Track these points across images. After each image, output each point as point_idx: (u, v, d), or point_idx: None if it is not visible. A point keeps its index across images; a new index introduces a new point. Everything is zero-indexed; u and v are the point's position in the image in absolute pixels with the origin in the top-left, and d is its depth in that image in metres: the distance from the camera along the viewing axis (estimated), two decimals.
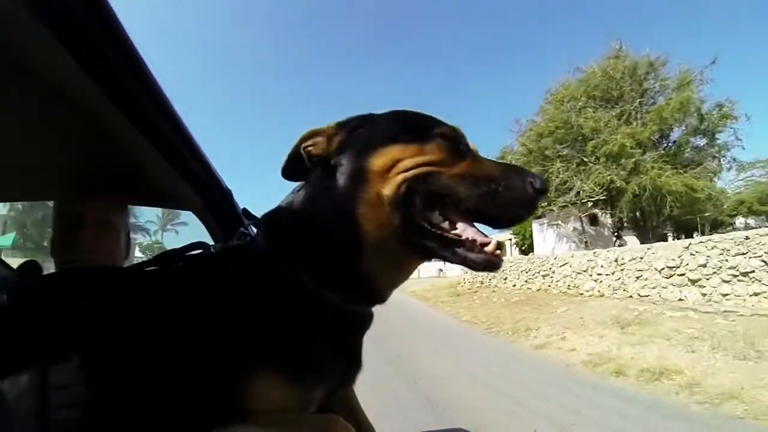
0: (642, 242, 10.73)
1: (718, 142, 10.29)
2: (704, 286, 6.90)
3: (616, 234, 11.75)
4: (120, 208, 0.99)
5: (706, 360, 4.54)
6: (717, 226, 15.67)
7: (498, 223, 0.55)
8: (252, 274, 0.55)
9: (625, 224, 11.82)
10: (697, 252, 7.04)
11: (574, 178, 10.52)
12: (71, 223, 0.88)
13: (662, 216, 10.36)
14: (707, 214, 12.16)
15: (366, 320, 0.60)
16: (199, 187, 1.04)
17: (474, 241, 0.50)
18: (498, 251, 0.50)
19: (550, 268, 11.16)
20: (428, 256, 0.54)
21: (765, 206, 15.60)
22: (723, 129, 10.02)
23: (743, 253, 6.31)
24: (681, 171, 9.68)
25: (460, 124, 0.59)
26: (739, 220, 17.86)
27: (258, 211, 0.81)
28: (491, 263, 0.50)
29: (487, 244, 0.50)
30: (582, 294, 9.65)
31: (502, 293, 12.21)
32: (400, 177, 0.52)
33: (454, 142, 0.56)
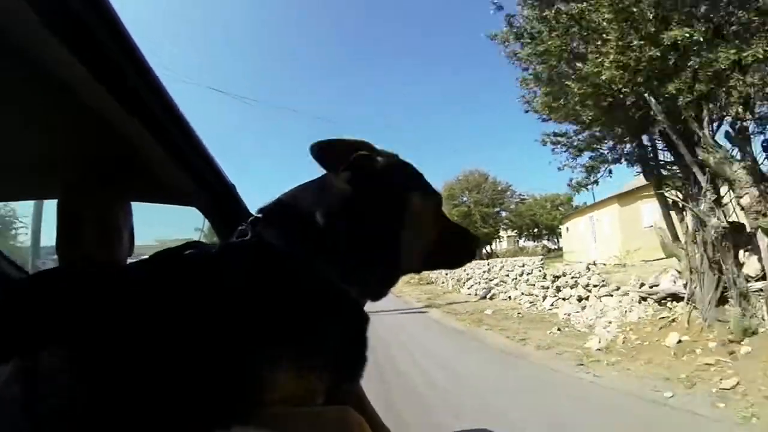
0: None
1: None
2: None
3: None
4: (122, 205, 0.99)
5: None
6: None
7: (451, 266, 0.76)
8: (265, 266, 0.54)
9: None
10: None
11: None
12: (73, 221, 0.88)
13: None
14: None
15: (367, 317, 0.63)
16: (201, 182, 1.04)
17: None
18: None
19: None
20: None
21: None
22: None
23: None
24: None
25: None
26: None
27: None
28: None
29: None
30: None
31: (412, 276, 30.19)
32: (432, 229, 0.66)
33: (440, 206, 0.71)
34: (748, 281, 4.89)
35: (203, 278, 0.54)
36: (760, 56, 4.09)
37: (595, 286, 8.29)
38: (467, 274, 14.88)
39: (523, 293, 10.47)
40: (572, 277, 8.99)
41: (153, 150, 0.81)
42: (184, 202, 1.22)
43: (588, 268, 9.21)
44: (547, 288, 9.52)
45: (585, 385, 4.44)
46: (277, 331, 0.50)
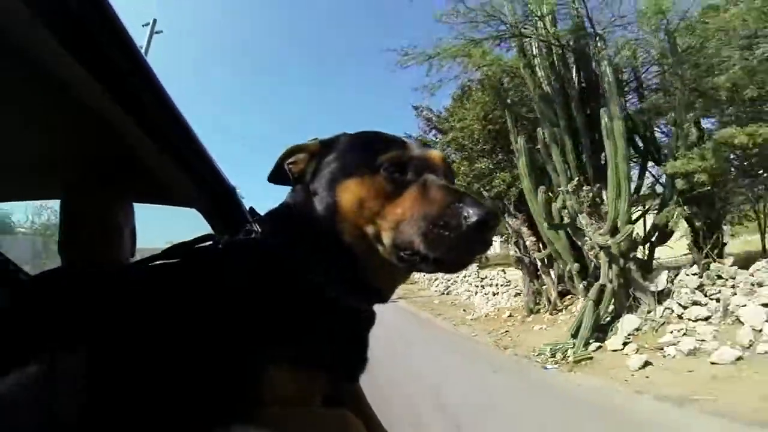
0: None
1: None
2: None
3: None
4: (122, 205, 0.99)
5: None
6: None
7: (442, 269, 0.51)
8: (261, 268, 0.55)
9: None
10: None
11: None
12: (75, 221, 0.90)
13: None
14: None
15: (370, 318, 0.61)
16: (202, 184, 1.06)
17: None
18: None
19: None
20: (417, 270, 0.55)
21: None
22: None
23: None
24: None
25: None
26: None
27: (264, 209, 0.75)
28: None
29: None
30: None
31: None
32: (370, 219, 0.52)
33: (399, 172, 0.54)
34: (542, 285, 9.29)
35: (203, 278, 0.55)
36: (509, 180, 9.19)
37: (500, 284, 12.75)
38: (434, 275, 18.95)
39: (465, 290, 15.01)
40: (490, 279, 13.49)
41: (153, 150, 0.81)
42: (185, 204, 1.24)
43: (497, 273, 13.63)
44: (477, 286, 14.03)
45: (447, 332, 9.18)
46: (277, 332, 0.51)
